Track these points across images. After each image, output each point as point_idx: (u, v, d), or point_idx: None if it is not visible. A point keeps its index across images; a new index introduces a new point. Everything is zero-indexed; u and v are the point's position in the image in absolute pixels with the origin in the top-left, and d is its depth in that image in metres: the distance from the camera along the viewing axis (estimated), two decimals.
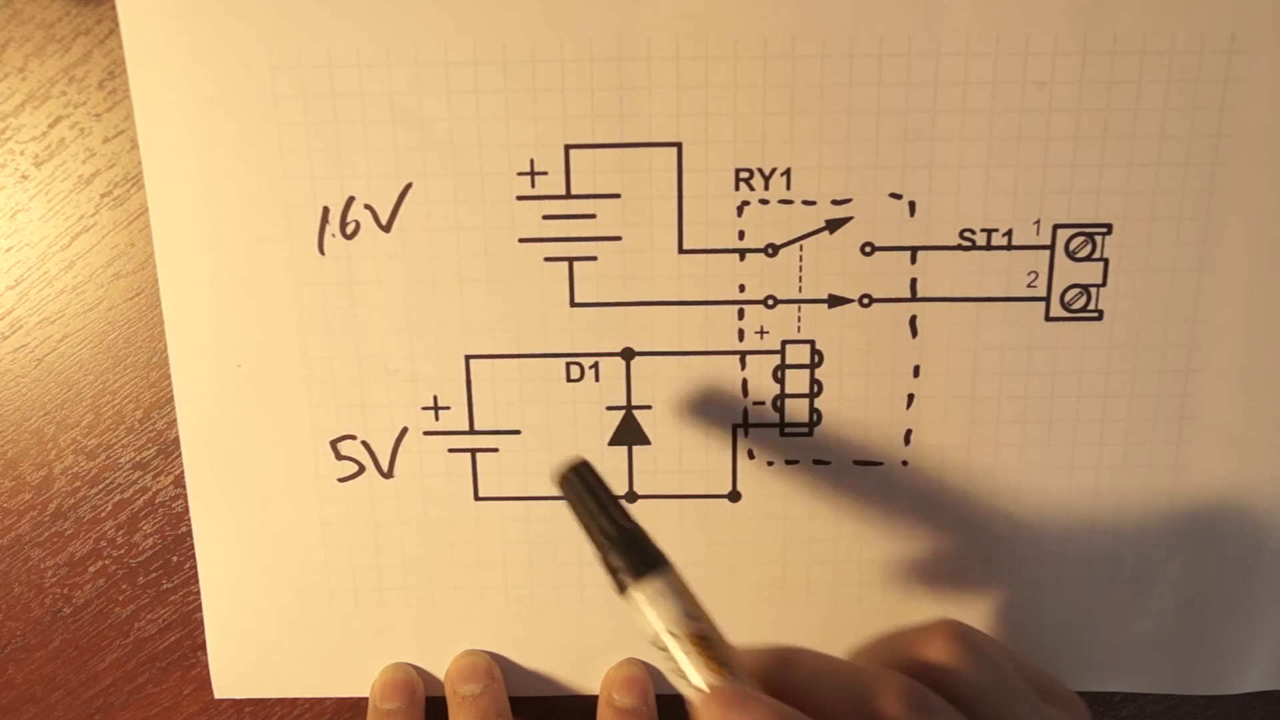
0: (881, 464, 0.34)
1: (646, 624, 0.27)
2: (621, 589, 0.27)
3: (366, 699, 0.36)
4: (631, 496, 0.34)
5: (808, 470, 0.34)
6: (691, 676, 0.26)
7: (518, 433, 0.34)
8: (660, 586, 0.27)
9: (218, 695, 0.36)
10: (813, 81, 0.30)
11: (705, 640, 0.26)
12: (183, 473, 0.34)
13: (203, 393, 0.33)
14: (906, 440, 0.33)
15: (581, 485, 0.28)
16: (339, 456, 0.34)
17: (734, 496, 0.34)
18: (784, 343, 0.33)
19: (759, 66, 0.30)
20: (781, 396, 0.33)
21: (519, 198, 0.32)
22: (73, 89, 0.32)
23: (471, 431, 0.34)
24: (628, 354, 0.33)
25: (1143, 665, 0.35)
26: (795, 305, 0.32)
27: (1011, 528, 0.34)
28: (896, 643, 0.28)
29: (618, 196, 0.32)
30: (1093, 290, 0.32)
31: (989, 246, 0.32)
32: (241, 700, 0.37)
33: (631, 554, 0.27)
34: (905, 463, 0.34)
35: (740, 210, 0.32)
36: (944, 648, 0.27)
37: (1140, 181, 0.31)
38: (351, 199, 0.32)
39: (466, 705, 0.34)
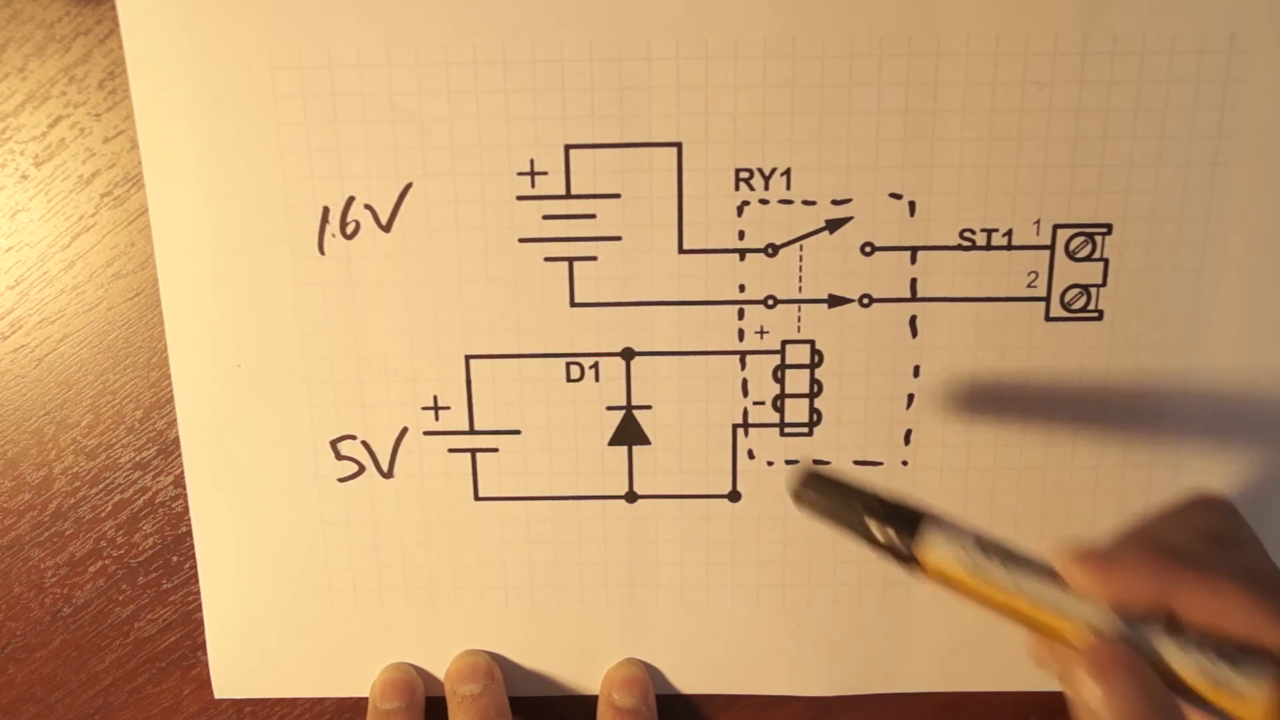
0: (881, 464, 0.34)
1: (958, 583, 0.25)
2: (910, 566, 0.26)
3: (366, 699, 0.36)
4: (631, 496, 0.34)
5: None
6: (1046, 617, 0.24)
7: (518, 433, 0.34)
8: (933, 542, 0.25)
9: (218, 695, 0.36)
10: (813, 81, 0.30)
11: (1021, 563, 0.25)
12: (183, 473, 0.34)
13: (203, 393, 0.33)
14: (906, 440, 0.33)
15: (817, 497, 0.27)
16: (339, 456, 0.34)
17: (734, 496, 0.34)
18: (784, 343, 0.33)
19: (759, 66, 0.30)
20: (781, 396, 0.33)
21: (519, 198, 0.32)
22: (73, 89, 0.32)
23: (471, 431, 0.34)
24: (628, 354, 0.33)
25: None
26: (795, 305, 0.32)
27: (1012, 527, 0.34)
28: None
29: (618, 196, 0.32)
30: (1093, 290, 0.32)
31: (989, 246, 0.32)
32: (241, 700, 0.37)
33: (896, 524, 0.25)
34: (905, 463, 0.34)
35: (740, 210, 0.32)
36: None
37: (1140, 181, 0.31)
38: (351, 199, 0.32)
39: (466, 705, 0.34)
